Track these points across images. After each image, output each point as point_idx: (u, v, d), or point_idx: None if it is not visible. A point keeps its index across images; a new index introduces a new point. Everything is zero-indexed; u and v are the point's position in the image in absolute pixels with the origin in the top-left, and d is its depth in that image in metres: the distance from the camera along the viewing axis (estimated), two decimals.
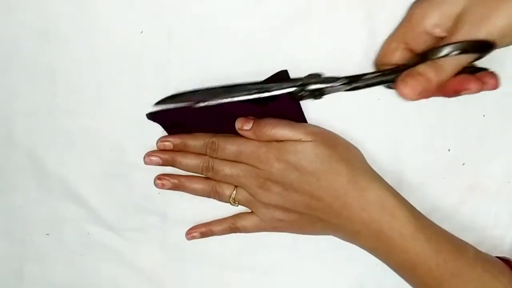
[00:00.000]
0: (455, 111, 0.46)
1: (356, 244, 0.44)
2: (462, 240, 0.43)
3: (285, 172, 0.42)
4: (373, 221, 0.41)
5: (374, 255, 0.43)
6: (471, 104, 0.46)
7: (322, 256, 0.48)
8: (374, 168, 0.44)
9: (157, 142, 0.45)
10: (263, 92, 0.42)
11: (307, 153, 0.42)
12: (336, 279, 0.50)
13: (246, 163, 0.43)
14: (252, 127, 0.43)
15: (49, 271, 0.50)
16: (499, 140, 0.47)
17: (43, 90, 0.45)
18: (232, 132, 0.44)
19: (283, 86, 0.42)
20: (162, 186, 0.46)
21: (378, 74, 0.41)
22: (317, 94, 0.42)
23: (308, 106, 0.44)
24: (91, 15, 0.43)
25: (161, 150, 0.46)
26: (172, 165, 0.46)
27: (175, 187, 0.46)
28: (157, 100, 0.44)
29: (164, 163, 0.46)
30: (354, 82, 0.41)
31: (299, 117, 0.44)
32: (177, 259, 0.49)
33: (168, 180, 0.46)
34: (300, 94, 0.42)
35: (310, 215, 0.43)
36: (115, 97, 0.45)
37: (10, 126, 0.46)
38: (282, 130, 0.42)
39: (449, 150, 0.47)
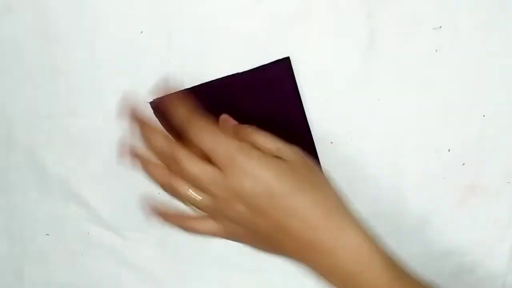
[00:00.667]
0: (455, 111, 0.46)
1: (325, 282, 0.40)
2: None
3: (255, 192, 0.37)
4: (344, 269, 0.37)
5: None
6: (471, 104, 0.46)
7: None
8: (374, 169, 0.44)
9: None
10: None
11: (285, 177, 0.37)
12: None
13: (215, 163, 0.38)
14: (234, 125, 0.41)
15: (49, 270, 0.50)
16: (499, 140, 0.47)
17: (43, 90, 0.45)
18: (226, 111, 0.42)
19: None
20: (121, 156, 0.42)
21: None
22: None
23: (308, 106, 0.44)
24: (91, 15, 0.43)
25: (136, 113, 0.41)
26: (140, 131, 0.41)
27: (133, 160, 0.42)
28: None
29: (133, 122, 0.41)
30: None
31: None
32: (177, 259, 0.49)
33: (128, 151, 0.42)
34: None
35: (273, 245, 0.40)
36: (116, 97, 0.45)
37: (10, 126, 0.46)
38: (263, 138, 0.39)
39: (449, 150, 0.47)
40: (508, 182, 0.48)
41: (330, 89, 0.45)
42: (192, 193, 0.39)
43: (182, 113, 0.39)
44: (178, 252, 0.49)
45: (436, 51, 0.44)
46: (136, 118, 0.41)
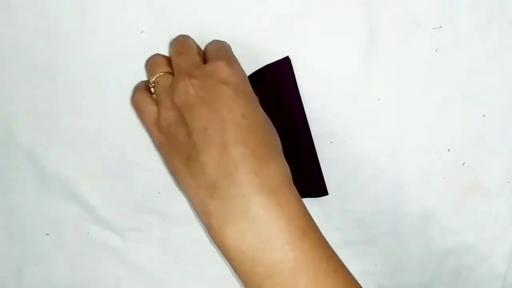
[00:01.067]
0: (455, 111, 0.46)
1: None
2: None
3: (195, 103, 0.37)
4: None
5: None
6: (471, 104, 0.46)
7: None
8: (374, 169, 0.44)
9: None
10: None
11: (232, 107, 0.36)
12: None
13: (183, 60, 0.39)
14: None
15: (49, 270, 0.50)
16: (499, 140, 0.47)
17: (43, 90, 0.45)
18: None
19: None
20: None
21: None
22: None
23: (309, 107, 0.44)
24: (91, 15, 0.43)
25: None
26: None
27: None
28: None
29: None
30: None
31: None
32: (177, 259, 0.49)
33: None
34: None
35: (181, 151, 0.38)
36: (115, 97, 0.45)
37: (10, 126, 0.46)
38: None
39: (449, 150, 0.47)
40: (508, 182, 0.48)
41: (330, 89, 0.45)
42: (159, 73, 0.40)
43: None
44: (178, 252, 0.49)
45: (436, 51, 0.44)
46: None
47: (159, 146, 0.41)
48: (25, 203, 0.48)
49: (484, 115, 0.46)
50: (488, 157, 0.47)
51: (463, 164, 0.47)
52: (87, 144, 0.46)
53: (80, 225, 0.49)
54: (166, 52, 0.43)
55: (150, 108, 0.40)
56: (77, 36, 0.43)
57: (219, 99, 0.37)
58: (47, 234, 0.49)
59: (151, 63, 0.42)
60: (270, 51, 0.43)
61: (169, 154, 0.39)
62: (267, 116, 0.39)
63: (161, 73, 0.40)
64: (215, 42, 0.42)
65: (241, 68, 0.40)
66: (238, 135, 0.36)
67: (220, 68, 0.38)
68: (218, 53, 0.40)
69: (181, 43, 0.41)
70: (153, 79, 0.40)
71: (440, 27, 0.44)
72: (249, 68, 0.44)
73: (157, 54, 0.42)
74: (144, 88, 0.42)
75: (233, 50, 0.43)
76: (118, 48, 0.43)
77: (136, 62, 0.44)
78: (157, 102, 0.40)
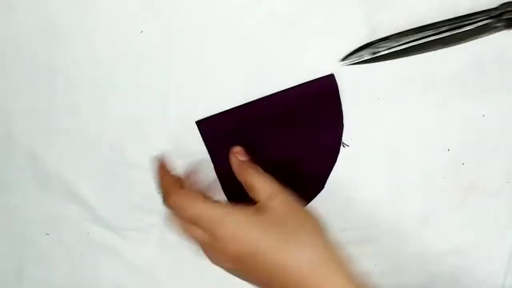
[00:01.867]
0: (455, 110, 0.46)
1: None
2: None
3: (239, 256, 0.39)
4: None
5: None
6: (471, 103, 0.46)
7: None
8: (373, 169, 0.44)
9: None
10: (454, 29, 0.41)
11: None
12: None
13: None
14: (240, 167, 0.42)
15: (49, 270, 0.50)
16: (498, 140, 0.47)
17: (43, 90, 0.45)
18: (267, 136, 0.44)
19: (476, 19, 0.41)
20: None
21: None
22: None
23: None
24: (91, 15, 0.43)
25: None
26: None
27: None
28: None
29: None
30: None
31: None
32: (176, 259, 0.49)
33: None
34: (495, 25, 0.41)
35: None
36: (115, 96, 0.45)
37: (9, 126, 0.46)
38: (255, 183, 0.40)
39: (448, 149, 0.47)
40: (508, 182, 0.48)
41: None
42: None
43: (165, 185, 0.43)
44: (178, 252, 0.49)
45: (436, 50, 0.44)
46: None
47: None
48: (25, 203, 0.48)
49: (483, 115, 0.46)
50: (488, 157, 0.47)
51: (463, 164, 0.47)
52: (87, 144, 0.46)
53: (80, 225, 0.49)
54: (165, 51, 0.43)
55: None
56: (77, 36, 0.43)
57: None
58: (47, 234, 0.49)
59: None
60: (270, 51, 0.43)
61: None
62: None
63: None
64: None
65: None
66: None
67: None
68: None
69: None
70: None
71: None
72: (249, 68, 0.44)
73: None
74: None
75: (233, 50, 0.43)
76: (118, 48, 0.43)
77: (136, 62, 0.44)
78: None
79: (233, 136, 0.45)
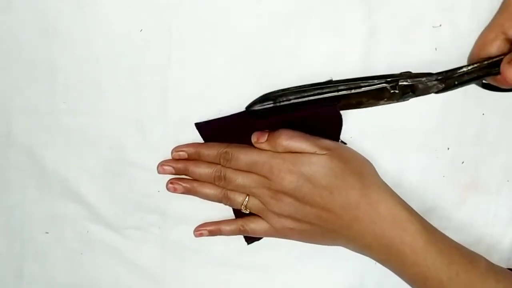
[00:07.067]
0: (455, 110, 0.46)
1: (368, 256, 0.44)
2: (474, 252, 0.43)
3: (298, 184, 0.42)
4: (384, 235, 0.41)
5: (386, 267, 0.43)
6: (471, 103, 0.46)
7: (322, 255, 0.48)
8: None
9: (172, 152, 0.45)
10: (351, 89, 0.42)
11: (321, 166, 0.41)
12: (336, 277, 0.50)
13: (258, 174, 0.43)
14: (267, 139, 0.43)
15: (49, 269, 0.50)
16: (498, 139, 0.47)
17: (42, 88, 0.45)
18: None
19: (374, 83, 0.42)
20: (174, 191, 0.46)
21: (475, 66, 0.40)
22: (408, 92, 0.42)
23: None
24: (90, 13, 0.43)
25: (175, 160, 0.45)
26: (185, 174, 0.46)
27: (187, 191, 0.46)
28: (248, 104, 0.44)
29: (177, 172, 0.46)
30: (449, 78, 0.41)
31: (335, 130, 0.44)
32: (176, 258, 0.49)
33: (180, 184, 0.46)
34: (391, 91, 0.42)
35: (321, 226, 0.43)
36: (115, 95, 0.45)
37: (9, 124, 0.46)
38: (297, 142, 0.42)
39: (448, 148, 0.47)
40: (508, 181, 0.48)
41: None
42: (245, 199, 0.45)
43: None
44: (177, 250, 0.49)
45: (436, 49, 0.44)
46: (179, 156, 0.45)
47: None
48: (25, 201, 0.48)
49: (483, 114, 0.46)
50: (487, 155, 0.47)
51: (463, 162, 0.47)
52: (86, 143, 0.46)
53: (79, 224, 0.49)
54: (165, 50, 0.43)
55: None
56: (77, 35, 0.43)
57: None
58: (47, 233, 0.49)
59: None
60: (270, 51, 0.43)
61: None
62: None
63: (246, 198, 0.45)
64: None
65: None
66: None
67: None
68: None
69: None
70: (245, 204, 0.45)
71: (440, 25, 0.44)
72: (249, 67, 0.43)
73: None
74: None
75: (233, 50, 0.43)
76: (118, 47, 0.43)
77: (136, 61, 0.43)
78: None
79: (232, 140, 0.45)
